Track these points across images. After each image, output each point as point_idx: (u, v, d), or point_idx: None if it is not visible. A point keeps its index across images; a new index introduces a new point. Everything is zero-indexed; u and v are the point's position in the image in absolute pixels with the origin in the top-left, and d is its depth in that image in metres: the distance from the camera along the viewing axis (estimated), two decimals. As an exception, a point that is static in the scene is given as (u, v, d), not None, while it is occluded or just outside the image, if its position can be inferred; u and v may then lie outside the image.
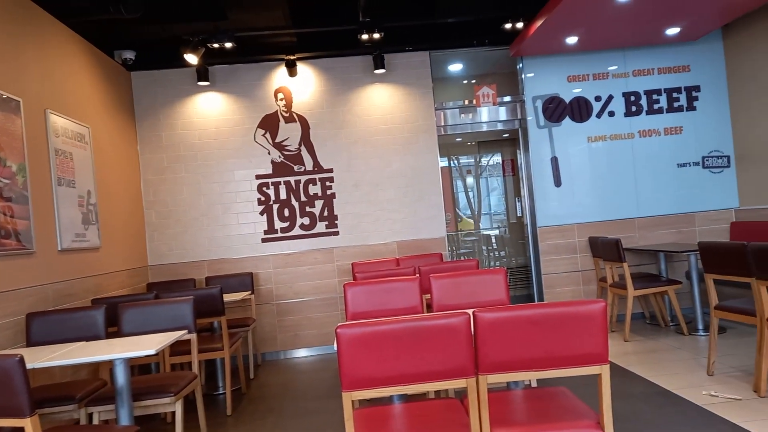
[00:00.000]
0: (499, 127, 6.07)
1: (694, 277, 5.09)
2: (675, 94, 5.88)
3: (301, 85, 5.75)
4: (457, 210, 9.52)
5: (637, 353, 4.53)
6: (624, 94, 5.87)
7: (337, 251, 5.71)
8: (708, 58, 5.89)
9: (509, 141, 8.79)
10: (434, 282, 3.42)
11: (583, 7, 4.48)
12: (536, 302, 6.11)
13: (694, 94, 5.88)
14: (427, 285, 4.25)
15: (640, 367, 4.14)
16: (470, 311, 2.14)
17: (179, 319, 3.56)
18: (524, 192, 6.12)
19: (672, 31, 5.37)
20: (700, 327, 4.99)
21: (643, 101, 5.87)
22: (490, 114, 6.00)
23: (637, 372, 4.04)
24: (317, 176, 5.71)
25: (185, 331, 3.27)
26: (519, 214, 8.68)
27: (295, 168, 5.71)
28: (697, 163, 5.89)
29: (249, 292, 5.07)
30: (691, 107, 5.88)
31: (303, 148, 5.72)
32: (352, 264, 5.39)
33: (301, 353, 5.69)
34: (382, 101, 5.80)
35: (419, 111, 5.82)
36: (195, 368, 3.50)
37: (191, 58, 4.86)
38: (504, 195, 9.45)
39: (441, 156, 9.44)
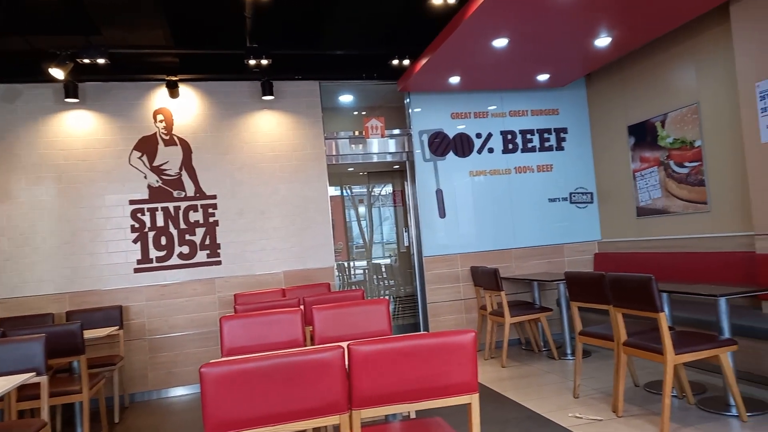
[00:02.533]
0: (389, 158, 6.21)
1: (563, 304, 5.47)
2: (546, 135, 6.38)
3: (183, 107, 5.50)
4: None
5: (512, 378, 4.73)
6: (502, 133, 6.27)
7: (219, 282, 5.45)
8: (574, 103, 6.48)
9: (399, 172, 9.02)
10: (317, 314, 3.35)
11: (463, 50, 4.75)
12: (420, 332, 6.22)
13: (562, 135, 6.43)
14: (312, 316, 4.16)
15: (515, 392, 4.32)
16: (345, 344, 2.10)
17: (27, 360, 3.16)
18: (411, 222, 6.27)
19: (542, 77, 5.85)
20: (569, 351, 5.33)
21: (519, 140, 6.31)
22: (380, 145, 6.12)
23: (512, 397, 4.20)
24: (199, 202, 5.45)
25: (33, 374, 2.91)
26: (406, 244, 8.87)
27: (175, 193, 5.40)
28: (565, 199, 6.40)
29: (117, 327, 4.66)
30: (560, 147, 6.41)
31: (184, 172, 5.44)
32: (234, 295, 5.16)
33: (177, 392, 5.30)
34: (271, 128, 5.70)
35: (308, 139, 5.79)
36: (45, 415, 3.11)
37: (57, 73, 4.47)
38: (395, 225, 9.64)
39: (333, 185, 9.46)
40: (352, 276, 9.59)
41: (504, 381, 4.69)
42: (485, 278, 5.50)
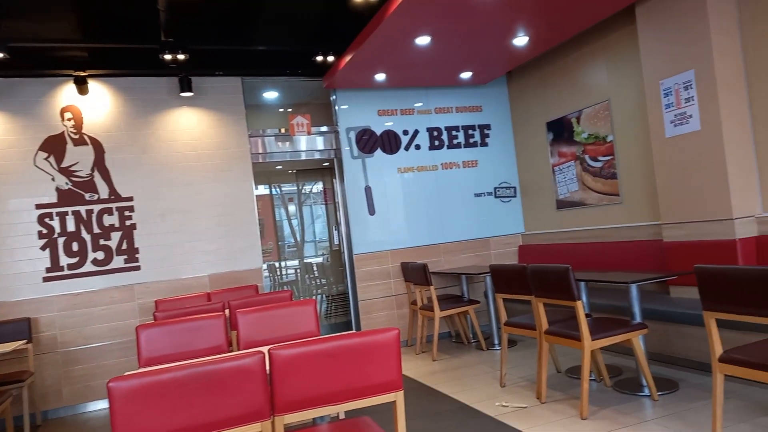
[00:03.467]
0: (317, 156, 6.13)
1: (490, 296, 5.62)
2: (470, 131, 6.53)
3: (94, 104, 5.18)
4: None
5: (443, 371, 4.81)
6: (428, 129, 6.35)
7: (139, 288, 5.18)
8: (496, 100, 6.66)
9: (329, 170, 8.94)
10: (241, 318, 3.25)
11: (386, 47, 4.75)
12: (352, 330, 6.20)
13: (485, 131, 6.59)
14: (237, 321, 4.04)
15: (446, 385, 4.39)
16: (266, 349, 2.04)
17: None
18: (341, 220, 6.23)
19: (465, 75, 5.97)
20: (497, 342, 5.49)
21: (444, 136, 6.41)
22: (308, 143, 6.04)
23: (443, 390, 4.27)
24: (114, 205, 5.15)
25: None
26: (336, 242, 8.83)
27: (87, 196, 5.08)
28: (490, 193, 6.58)
29: (25, 341, 4.33)
30: (483, 143, 6.57)
31: (96, 173, 5.13)
32: (155, 301, 4.93)
33: (96, 406, 5.00)
34: (191, 126, 5.48)
35: (232, 137, 5.62)
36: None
37: (-53, 66, 4.08)
38: (327, 223, 9.56)
39: (262, 184, 9.25)
40: (284, 276, 9.44)
41: (435, 374, 4.75)
42: (415, 274, 5.55)
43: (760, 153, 4.00)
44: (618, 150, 5.21)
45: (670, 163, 4.38)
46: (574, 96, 5.67)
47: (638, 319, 3.74)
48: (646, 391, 3.63)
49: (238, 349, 3.19)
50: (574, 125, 5.69)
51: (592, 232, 5.56)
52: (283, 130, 5.90)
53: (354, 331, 2.10)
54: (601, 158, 5.42)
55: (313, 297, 8.98)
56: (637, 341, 3.52)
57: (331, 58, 5.25)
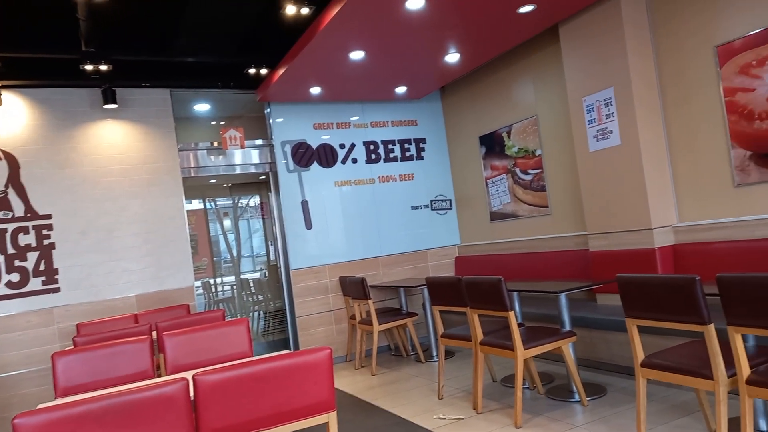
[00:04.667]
0: (252, 170, 6.01)
1: (428, 308, 5.66)
2: (407, 145, 6.60)
3: (7, 117, 4.86)
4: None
5: (382, 386, 4.79)
6: (365, 143, 6.37)
7: (59, 311, 4.87)
8: (430, 115, 6.78)
9: (266, 183, 8.80)
10: (168, 341, 3.11)
11: (321, 61, 4.74)
12: (290, 347, 6.08)
13: (421, 145, 6.69)
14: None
15: (384, 400, 4.37)
16: (190, 375, 1.95)
17: None
18: (277, 234, 6.12)
19: (400, 89, 6.05)
20: (435, 354, 5.53)
21: (381, 150, 6.45)
22: (243, 157, 5.91)
23: (381, 404, 4.25)
24: (30, 224, 4.83)
25: None
26: (272, 258, 8.67)
27: (0, 214, 4.74)
28: (427, 206, 6.66)
29: (-74, 375, 3.96)
30: (419, 157, 6.66)
31: (11, 190, 4.80)
32: (77, 325, 4.64)
33: (9, 441, 4.63)
34: (116, 139, 5.24)
35: (160, 151, 5.41)
36: None
37: None
38: (265, 237, 9.36)
39: (195, 198, 8.96)
40: (219, 293, 9.15)
41: (374, 389, 4.72)
42: (353, 288, 5.52)
43: (675, 166, 4.26)
44: (546, 163, 5.41)
45: (594, 176, 4.59)
46: (504, 111, 5.85)
47: (567, 327, 3.87)
48: (577, 397, 3.74)
49: (166, 374, 3.04)
50: (505, 139, 5.87)
51: (525, 242, 5.73)
52: (215, 144, 5.75)
53: (285, 352, 2.04)
54: (530, 171, 5.61)
55: (250, 314, 8.76)
56: (567, 349, 3.63)
57: (264, 71, 5.18)
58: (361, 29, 4.19)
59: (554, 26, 5.00)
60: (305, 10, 3.76)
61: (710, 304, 3.60)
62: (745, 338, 2.88)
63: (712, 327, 2.44)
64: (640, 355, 2.80)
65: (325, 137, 6.18)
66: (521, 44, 5.48)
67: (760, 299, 2.22)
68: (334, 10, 3.84)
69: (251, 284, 8.79)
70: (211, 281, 9.04)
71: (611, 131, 4.40)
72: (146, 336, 3.10)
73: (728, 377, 2.42)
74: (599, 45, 4.41)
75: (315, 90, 5.59)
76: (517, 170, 5.77)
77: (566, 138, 5.15)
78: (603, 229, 4.55)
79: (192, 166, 5.66)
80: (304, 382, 1.99)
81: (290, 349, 6.14)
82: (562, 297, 3.87)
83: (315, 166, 6.10)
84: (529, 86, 5.51)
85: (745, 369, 2.36)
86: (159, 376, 3.43)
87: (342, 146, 6.25)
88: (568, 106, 4.87)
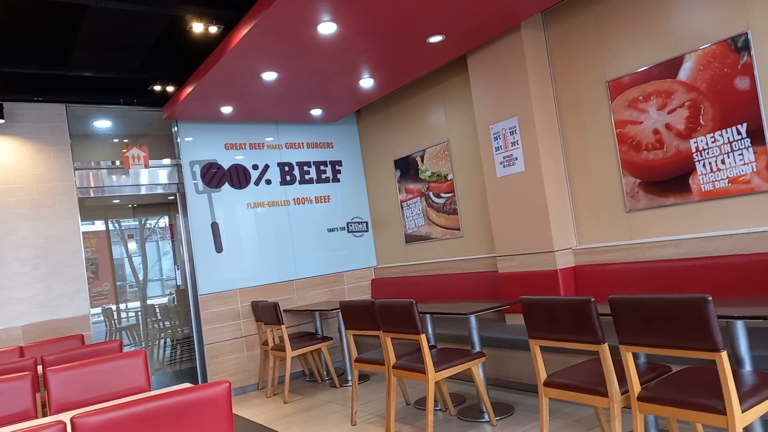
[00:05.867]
0: (159, 190, 5.72)
1: (343, 332, 5.59)
2: (322, 167, 6.56)
3: None
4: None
5: (295, 414, 4.64)
6: (279, 164, 6.26)
7: (-73, 347, 4.33)
8: (347, 137, 6.80)
9: (175, 204, 8.41)
10: (53, 377, 2.84)
11: (231, 80, 4.63)
12: (197, 377, 5.78)
13: (337, 167, 6.67)
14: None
15: (296, 428, 4.23)
16: (68, 418, 1.77)
17: None
18: (185, 258, 5.84)
19: (316, 111, 6.02)
20: (350, 378, 5.45)
21: (296, 171, 6.37)
22: (150, 176, 5.61)
23: (293, 435, 4.11)
24: None
25: None
26: (179, 282, 8.27)
27: None
28: (343, 228, 6.63)
29: None
30: (335, 179, 6.64)
31: None
32: (-52, 362, 4.14)
33: None
34: (3, 157, 4.81)
35: (54, 170, 5.02)
36: None
37: None
38: (174, 260, 8.91)
39: (98, 219, 8.38)
40: (123, 321, 8.57)
41: (287, 417, 4.57)
42: (266, 313, 5.35)
43: (573, 191, 4.51)
44: (458, 187, 5.57)
45: (501, 201, 4.77)
46: (418, 136, 5.98)
47: (477, 347, 3.95)
48: (486, 417, 3.81)
49: (50, 414, 2.77)
50: (419, 163, 5.98)
51: (438, 264, 5.83)
52: (117, 163, 5.42)
53: (180, 387, 1.91)
54: (443, 195, 5.75)
55: (156, 342, 8.25)
56: (477, 369, 3.70)
57: (171, 88, 4.97)
58: (272, 50, 4.14)
59: (463, 56, 5.20)
60: (213, 29, 3.65)
61: (607, 323, 3.82)
62: (637, 356, 3.06)
63: (605, 346, 2.57)
64: (543, 375, 2.89)
65: (239, 158, 6.01)
66: (433, 72, 5.65)
67: (648, 319, 2.37)
68: (244, 31, 3.76)
69: (157, 310, 8.31)
70: (114, 308, 8.46)
71: (516, 158, 4.60)
72: (28, 372, 2.82)
73: (621, 394, 2.55)
74: (504, 75, 4.63)
75: (226, 109, 5.44)
76: (431, 194, 5.89)
77: (476, 163, 5.33)
78: (510, 251, 4.73)
79: (92, 185, 5.30)
80: (200, 420, 1.87)
81: (198, 379, 5.83)
82: (472, 318, 3.95)
83: (226, 187, 5.91)
84: (441, 112, 5.67)
85: (636, 386, 2.49)
86: (45, 415, 3.12)
87: (255, 167, 6.10)
88: (477, 133, 5.05)
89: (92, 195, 5.32)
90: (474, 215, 5.41)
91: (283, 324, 5.11)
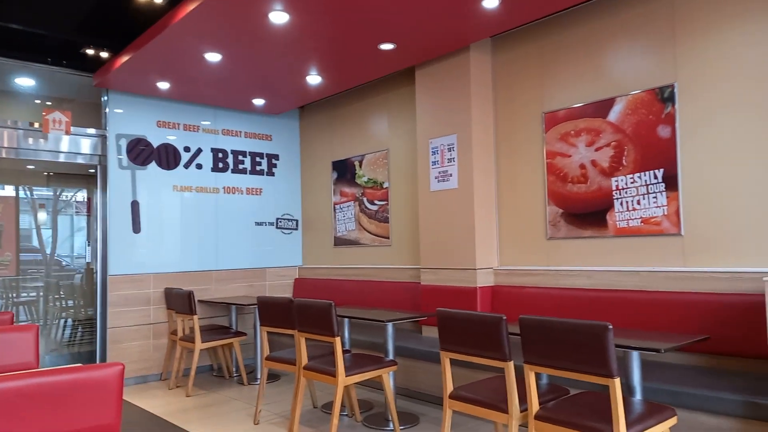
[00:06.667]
0: (80, 160, 5.38)
1: (257, 328, 5.46)
2: (258, 159, 6.42)
3: None
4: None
5: (196, 408, 4.47)
6: (213, 150, 6.06)
7: None
8: (287, 132, 6.69)
9: (95, 178, 7.95)
10: (-74, 345, 2.58)
11: (172, 55, 4.44)
12: (96, 360, 5.46)
13: (274, 161, 6.55)
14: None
15: (196, 424, 4.07)
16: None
17: None
18: (98, 235, 5.52)
19: (258, 101, 5.89)
20: (260, 376, 5.33)
21: (230, 160, 6.19)
22: (71, 144, 5.27)
23: (192, 429, 3.95)
24: None
25: None
26: (89, 260, 7.81)
27: None
28: (272, 224, 6.50)
29: None
30: (270, 172, 6.51)
31: None
32: None
33: None
34: None
35: (-38, 123, 4.62)
36: None
37: None
38: (88, 237, 8.40)
39: (8, 183, 7.77)
40: (21, 295, 7.97)
41: (188, 411, 4.39)
42: (179, 301, 5.14)
43: (500, 214, 4.65)
44: (392, 196, 5.60)
45: (432, 214, 4.84)
46: (358, 141, 5.98)
47: (391, 356, 3.96)
48: (391, 426, 3.82)
49: None
50: (357, 168, 5.98)
51: (365, 270, 5.82)
52: (36, 125, 5.06)
53: (68, 366, 1.78)
54: (377, 202, 5.76)
55: (56, 321, 7.73)
56: (387, 378, 3.71)
57: (105, 54, 4.71)
58: (219, 31, 4.01)
59: (412, 68, 5.26)
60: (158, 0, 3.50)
61: (517, 343, 3.93)
62: (540, 376, 3.18)
63: (511, 364, 2.65)
64: (450, 387, 2.94)
65: (171, 137, 5.77)
66: (381, 79, 5.67)
67: (552, 341, 2.46)
68: (191, 6, 3.63)
69: (61, 288, 7.80)
70: (14, 281, 7.86)
71: (451, 174, 4.69)
72: None
73: (521, 411, 2.63)
74: (449, 93, 4.72)
75: (163, 85, 5.22)
76: (365, 199, 5.90)
77: (412, 175, 5.39)
78: (434, 264, 4.80)
79: (5, 145, 4.92)
80: (86, 402, 1.75)
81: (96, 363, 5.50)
82: (389, 326, 3.96)
83: (153, 166, 5.65)
84: (384, 121, 5.70)
85: (535, 405, 2.58)
86: None
87: (187, 149, 5.88)
88: (417, 146, 5.11)
89: (4, 156, 4.94)
90: (404, 225, 5.46)
91: (195, 314, 4.93)
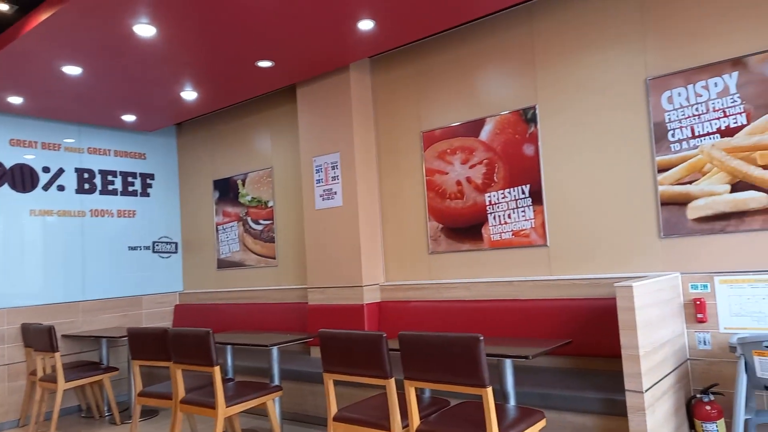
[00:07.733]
0: None
1: (130, 362, 5.05)
2: (130, 179, 6.00)
3: None
4: None
5: (58, 457, 4.02)
6: (77, 170, 5.57)
7: None
8: (163, 150, 6.33)
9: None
10: None
11: (23, 68, 4.03)
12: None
13: (148, 181, 6.16)
14: None
15: (57, 475, 3.65)
16: None
17: None
18: (-64, 269, 4.83)
19: (128, 118, 5.52)
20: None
21: (98, 180, 5.73)
22: None
23: (51, 482, 3.53)
24: None
25: None
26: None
27: None
28: (147, 248, 6.09)
29: None
30: (145, 193, 6.11)
31: None
32: None
33: None
34: None
35: None
36: None
37: None
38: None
39: None
40: None
41: (48, 462, 3.93)
42: (38, 337, 4.62)
43: (385, 230, 4.72)
44: (277, 215, 5.49)
45: (318, 233, 4.80)
46: (241, 159, 5.80)
47: (276, 381, 3.84)
48: (277, 454, 3.69)
49: None
50: (240, 187, 5.79)
51: (251, 293, 5.62)
52: None
53: None
54: (262, 222, 5.61)
55: None
56: (272, 404, 3.58)
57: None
58: (78, 44, 3.71)
59: (293, 86, 5.22)
60: (4, 7, 3.16)
61: (399, 358, 3.98)
62: (423, 390, 3.23)
63: (392, 381, 2.66)
64: (334, 409, 2.89)
65: (28, 157, 5.22)
66: (262, 96, 5.57)
67: (429, 355, 2.51)
68: (44, 16, 3.32)
69: None
70: None
71: (335, 192, 4.69)
72: None
73: (403, 428, 2.64)
74: (330, 111, 4.73)
75: (15, 100, 4.72)
76: (249, 219, 5.72)
77: (297, 193, 5.32)
78: (321, 283, 4.75)
79: None
80: None
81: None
82: (274, 350, 3.84)
83: (5, 188, 5.07)
84: (267, 138, 5.59)
85: (416, 420, 2.61)
86: None
87: (46, 170, 5.35)
88: (301, 163, 5.05)
89: None
90: (291, 245, 5.36)
91: (57, 351, 4.45)
